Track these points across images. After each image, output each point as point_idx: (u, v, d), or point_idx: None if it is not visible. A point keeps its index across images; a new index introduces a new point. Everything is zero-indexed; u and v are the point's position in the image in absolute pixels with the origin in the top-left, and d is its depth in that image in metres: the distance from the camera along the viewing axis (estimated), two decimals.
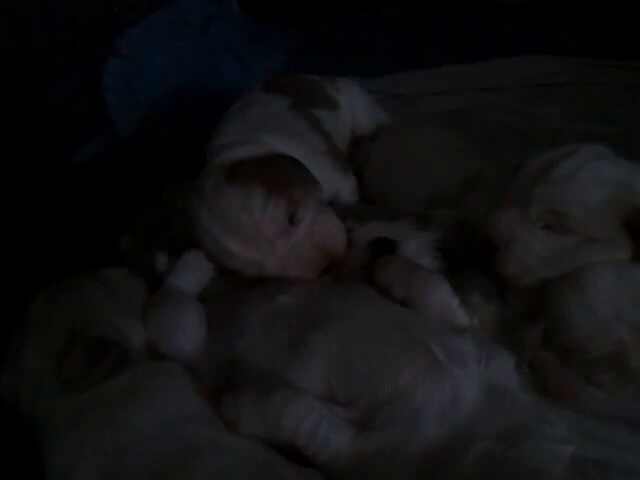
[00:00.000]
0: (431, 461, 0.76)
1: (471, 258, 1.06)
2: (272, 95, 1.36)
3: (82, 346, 0.88)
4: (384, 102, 1.86)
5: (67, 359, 0.87)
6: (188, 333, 0.95)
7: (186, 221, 1.08)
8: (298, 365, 0.85)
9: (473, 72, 2.03)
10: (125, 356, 0.91)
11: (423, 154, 1.38)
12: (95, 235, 1.41)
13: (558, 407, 0.93)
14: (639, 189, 0.97)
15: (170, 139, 1.79)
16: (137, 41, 1.93)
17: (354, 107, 1.55)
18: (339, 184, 1.31)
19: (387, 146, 1.47)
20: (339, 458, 0.78)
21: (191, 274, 1.03)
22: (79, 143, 1.74)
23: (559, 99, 1.93)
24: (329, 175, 1.26)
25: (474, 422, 0.79)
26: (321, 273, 1.03)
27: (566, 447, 0.76)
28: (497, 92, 1.98)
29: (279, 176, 1.01)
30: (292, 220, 1.01)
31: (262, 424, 0.80)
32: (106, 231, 1.36)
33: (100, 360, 0.87)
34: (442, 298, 0.93)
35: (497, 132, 1.76)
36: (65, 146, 1.72)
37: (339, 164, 1.32)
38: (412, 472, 0.76)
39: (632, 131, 1.65)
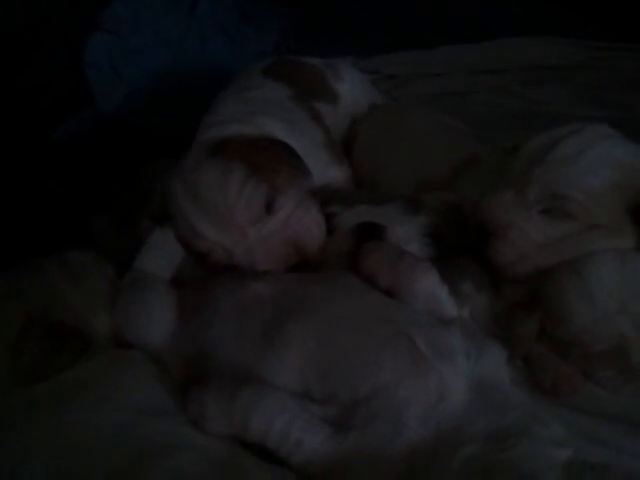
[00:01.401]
0: (414, 464, 0.71)
1: (464, 244, 1.02)
2: (273, 82, 1.31)
3: (39, 333, 0.83)
4: (379, 83, 1.82)
5: (21, 347, 0.81)
6: (156, 321, 0.90)
7: (163, 200, 1.02)
8: (271, 358, 0.80)
9: (472, 53, 1.96)
10: (86, 345, 0.87)
11: (414, 136, 1.32)
12: (71, 216, 1.36)
13: (553, 406, 0.88)
14: None
15: (154, 119, 1.75)
16: (122, 16, 1.87)
17: (355, 94, 1.51)
18: (333, 174, 1.27)
19: (376, 126, 1.41)
20: (315, 459, 0.73)
21: (158, 256, 0.99)
22: (61, 121, 1.69)
23: (560, 82, 1.86)
24: (324, 167, 1.22)
25: (461, 422, 0.73)
26: (292, 269, 0.97)
27: (562, 450, 0.71)
28: (496, 74, 1.91)
29: (265, 159, 0.97)
30: (269, 208, 0.96)
31: (229, 424, 0.75)
32: (82, 212, 1.32)
33: (58, 349, 0.82)
34: (429, 287, 0.87)
35: (495, 115, 1.71)
36: (48, 124, 1.67)
37: (335, 155, 1.29)
38: (393, 475, 0.71)
39: (637, 116, 1.58)
